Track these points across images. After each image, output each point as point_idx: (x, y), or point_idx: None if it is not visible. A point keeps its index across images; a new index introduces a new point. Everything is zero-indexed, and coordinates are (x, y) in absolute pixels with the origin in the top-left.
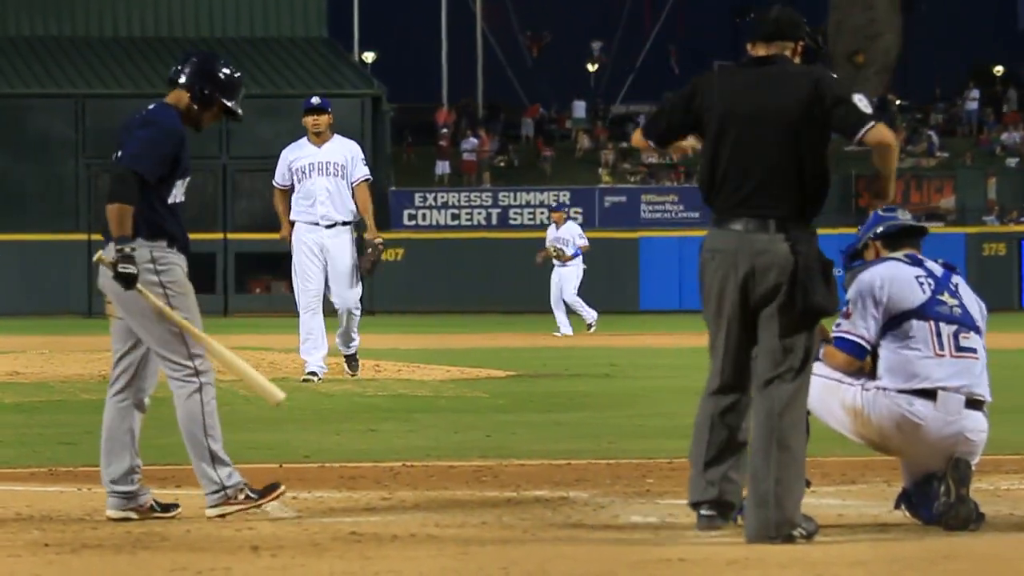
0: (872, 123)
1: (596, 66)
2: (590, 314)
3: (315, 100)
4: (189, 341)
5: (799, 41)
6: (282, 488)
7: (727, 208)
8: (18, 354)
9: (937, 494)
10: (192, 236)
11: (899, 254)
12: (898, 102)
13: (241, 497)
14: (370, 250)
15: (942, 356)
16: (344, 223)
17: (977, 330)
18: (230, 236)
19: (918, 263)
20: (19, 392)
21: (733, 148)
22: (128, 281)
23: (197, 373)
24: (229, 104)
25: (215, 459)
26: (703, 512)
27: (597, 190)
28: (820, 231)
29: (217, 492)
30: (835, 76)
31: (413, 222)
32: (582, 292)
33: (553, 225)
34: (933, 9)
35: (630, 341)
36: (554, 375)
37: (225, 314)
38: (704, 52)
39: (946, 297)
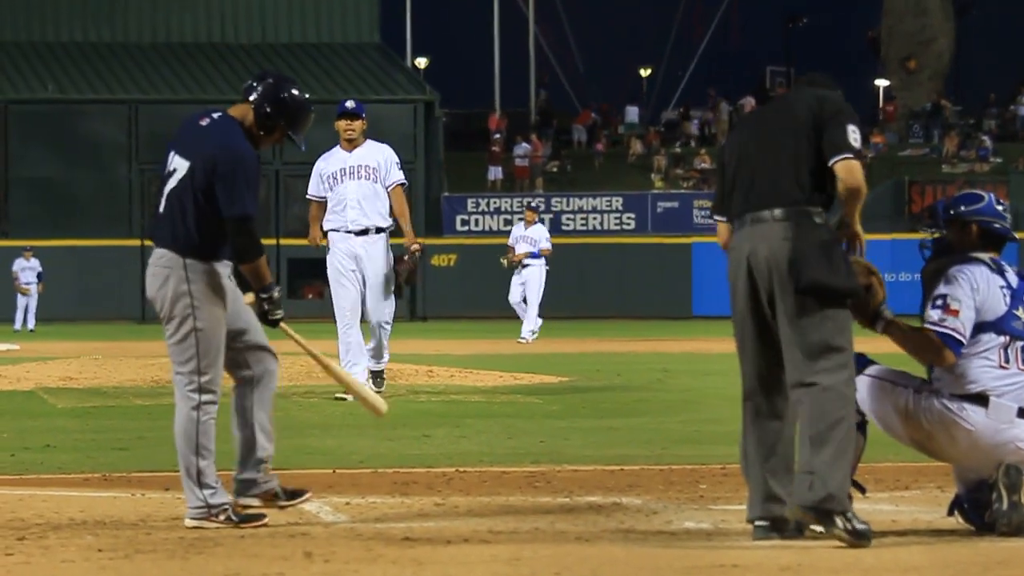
0: (849, 155)
1: (649, 70)
2: (526, 328)
3: (349, 104)
4: (201, 355)
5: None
6: (265, 520)
7: (737, 208)
8: (72, 360)
9: (989, 501)
10: None
11: (986, 257)
12: (951, 107)
13: (221, 518)
14: (406, 257)
15: (1006, 369)
16: (378, 229)
17: None
18: (282, 242)
19: (1000, 271)
20: (73, 397)
21: (740, 159)
22: (276, 324)
23: (200, 391)
24: (291, 134)
25: (200, 480)
26: (758, 524)
27: (649, 195)
28: (873, 236)
29: (200, 508)
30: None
31: (465, 227)
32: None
33: (522, 224)
34: (986, 15)
35: (683, 346)
36: (606, 380)
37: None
38: (757, 58)
39: (1021, 312)
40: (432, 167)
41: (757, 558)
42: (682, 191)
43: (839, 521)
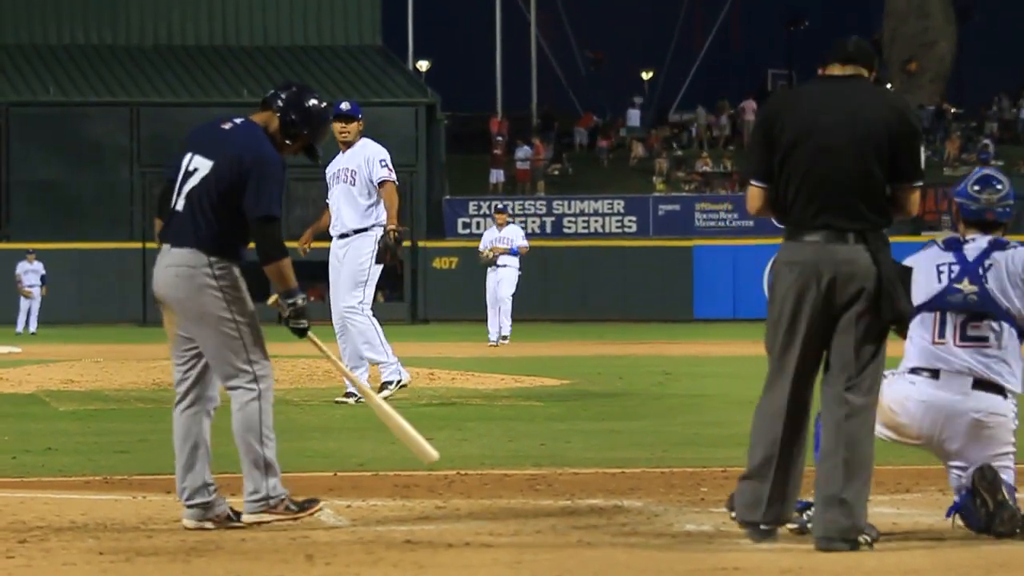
0: (919, 184)
1: (651, 74)
2: (506, 327)
3: (344, 106)
4: (248, 345)
5: (872, 71)
6: (320, 505)
7: (804, 220)
8: (73, 362)
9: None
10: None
11: (940, 239)
12: (953, 110)
13: (281, 508)
14: (385, 236)
15: (942, 343)
16: (355, 231)
17: (999, 316)
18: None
19: (954, 247)
20: (74, 400)
21: (809, 158)
22: (302, 333)
23: (256, 379)
24: (313, 144)
25: (268, 468)
26: (763, 528)
27: (651, 198)
28: None
29: (260, 500)
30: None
31: (467, 230)
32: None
33: (495, 227)
34: (988, 18)
35: (684, 349)
36: (608, 383)
37: (280, 322)
38: (759, 62)
39: (964, 284)
40: (433, 170)
41: (758, 561)
42: (684, 194)
43: (861, 539)
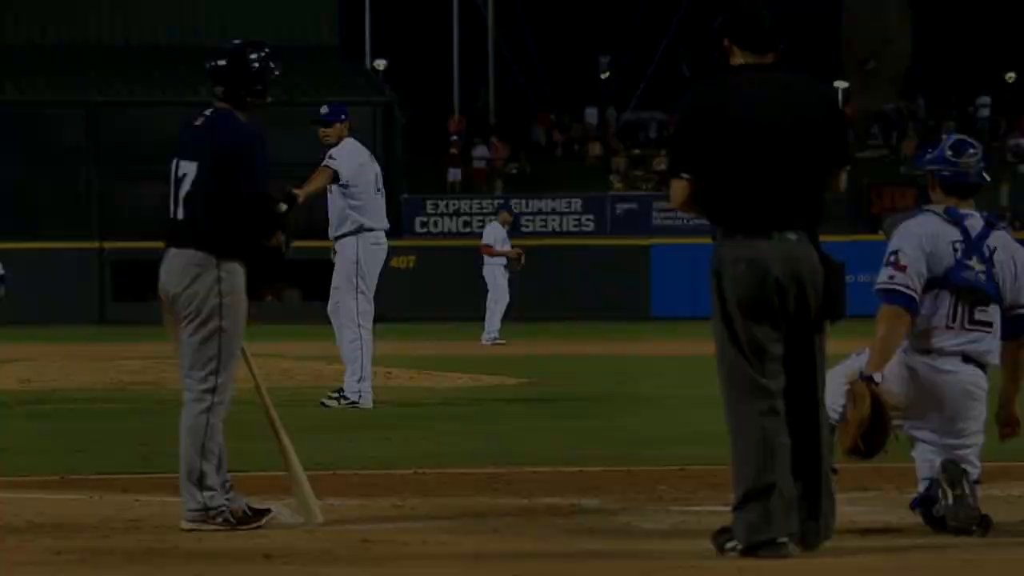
0: (848, 166)
1: (607, 73)
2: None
3: (322, 110)
4: (222, 359)
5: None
6: (265, 520)
7: (752, 218)
8: (30, 362)
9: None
10: None
11: (940, 208)
12: (910, 109)
13: (219, 520)
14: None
15: (951, 329)
16: (336, 236)
17: (998, 300)
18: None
19: (957, 221)
20: (30, 400)
21: (754, 155)
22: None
23: (214, 391)
24: (266, 95)
25: (202, 482)
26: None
27: (608, 197)
28: (834, 238)
29: (198, 510)
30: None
31: (425, 229)
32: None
33: (498, 224)
34: (946, 17)
35: (641, 348)
36: (565, 382)
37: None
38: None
39: (974, 262)
40: (392, 169)
41: (716, 559)
42: (641, 192)
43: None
